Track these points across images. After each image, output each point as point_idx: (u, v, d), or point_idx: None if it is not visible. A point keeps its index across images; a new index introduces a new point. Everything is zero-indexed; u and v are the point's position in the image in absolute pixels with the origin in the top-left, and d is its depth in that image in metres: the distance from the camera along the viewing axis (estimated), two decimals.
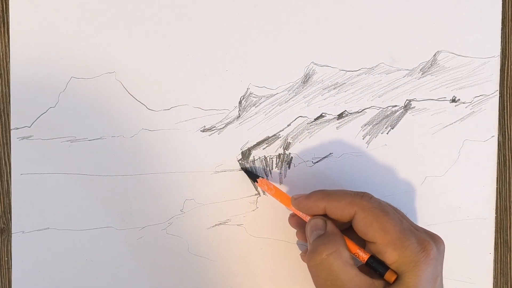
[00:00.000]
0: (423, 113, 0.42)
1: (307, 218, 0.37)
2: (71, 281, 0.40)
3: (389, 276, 0.33)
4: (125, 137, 0.40)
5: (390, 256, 0.33)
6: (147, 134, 0.40)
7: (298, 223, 0.39)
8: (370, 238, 0.34)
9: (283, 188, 0.41)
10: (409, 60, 0.41)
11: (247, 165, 0.41)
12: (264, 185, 0.39)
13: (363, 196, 0.35)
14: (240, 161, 0.40)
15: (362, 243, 0.36)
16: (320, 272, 0.34)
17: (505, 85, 0.42)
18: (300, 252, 0.41)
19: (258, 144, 0.41)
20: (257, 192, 0.41)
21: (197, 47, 0.40)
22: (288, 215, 0.40)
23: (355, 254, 0.35)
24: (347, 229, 0.37)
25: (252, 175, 0.40)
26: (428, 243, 0.33)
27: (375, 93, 0.41)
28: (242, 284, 0.41)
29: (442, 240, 0.35)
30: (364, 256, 0.35)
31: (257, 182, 0.40)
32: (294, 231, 0.41)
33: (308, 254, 0.34)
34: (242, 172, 0.40)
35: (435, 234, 0.35)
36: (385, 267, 0.34)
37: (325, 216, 0.36)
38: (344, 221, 0.35)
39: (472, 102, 0.42)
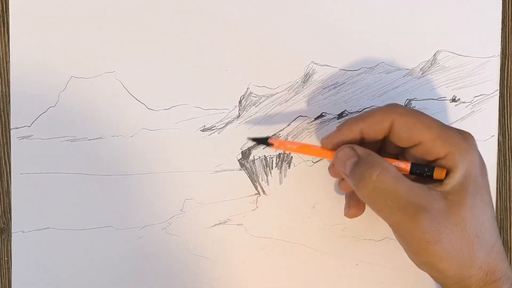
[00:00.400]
0: None
1: (332, 155, 0.35)
2: (71, 281, 0.40)
3: (439, 173, 0.32)
4: (125, 137, 0.40)
5: (440, 150, 0.33)
6: (147, 134, 0.40)
7: (337, 172, 0.37)
8: (416, 139, 0.33)
9: (283, 188, 0.41)
10: (409, 59, 0.41)
11: (247, 165, 0.41)
12: (282, 145, 0.37)
13: (396, 105, 0.35)
14: (240, 161, 0.40)
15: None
16: (377, 196, 0.33)
17: (505, 85, 0.42)
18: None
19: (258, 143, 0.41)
20: (257, 192, 0.41)
21: (197, 47, 0.40)
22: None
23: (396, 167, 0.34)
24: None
25: (262, 140, 0.37)
26: (466, 133, 0.34)
27: (375, 93, 0.41)
28: (242, 284, 0.41)
29: (471, 135, 0.35)
30: (405, 166, 0.34)
31: (272, 145, 0.36)
32: (293, 231, 0.41)
33: (357, 185, 0.33)
34: (242, 172, 0.40)
35: (464, 130, 0.35)
36: (431, 167, 0.33)
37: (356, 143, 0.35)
38: (379, 138, 0.35)
39: (472, 102, 0.42)
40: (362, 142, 0.36)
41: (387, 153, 0.37)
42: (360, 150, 0.34)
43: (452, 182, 0.32)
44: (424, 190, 0.32)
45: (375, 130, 0.34)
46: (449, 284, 0.34)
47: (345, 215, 0.39)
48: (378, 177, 0.32)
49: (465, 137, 0.34)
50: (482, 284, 0.33)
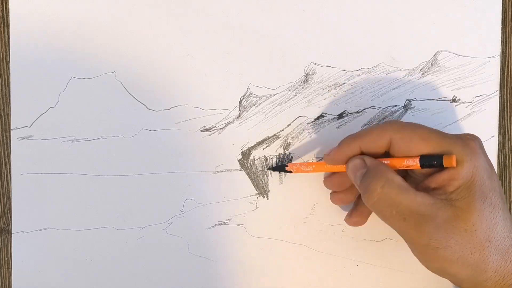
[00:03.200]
0: (423, 113, 0.41)
1: (343, 168, 0.37)
2: (71, 281, 0.40)
3: (448, 161, 0.33)
4: (125, 137, 0.40)
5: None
6: (147, 134, 0.40)
7: (334, 182, 0.39)
8: (415, 152, 0.34)
9: (283, 188, 0.41)
10: (409, 60, 0.41)
11: (247, 165, 0.41)
12: (299, 169, 0.39)
13: (390, 121, 0.36)
14: (240, 161, 0.40)
15: None
16: (382, 207, 0.33)
17: (505, 85, 0.42)
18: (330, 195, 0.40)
19: (258, 144, 0.41)
20: (257, 192, 0.41)
21: (197, 47, 0.40)
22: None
23: (405, 167, 0.34)
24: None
25: (280, 167, 0.40)
26: (468, 138, 0.34)
27: (375, 93, 0.41)
28: (242, 284, 0.41)
29: (475, 135, 0.35)
30: (414, 163, 0.34)
31: (291, 172, 0.39)
32: (293, 231, 0.41)
33: (364, 196, 0.34)
34: (242, 172, 0.40)
35: (469, 134, 0.36)
36: (439, 157, 0.33)
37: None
38: (380, 153, 0.35)
39: (472, 102, 0.42)
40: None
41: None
42: (369, 161, 0.35)
43: (456, 188, 0.33)
44: (428, 199, 0.33)
45: (373, 147, 0.35)
46: None
47: (346, 222, 0.39)
48: (382, 189, 0.33)
49: (466, 143, 0.34)
50: (500, 287, 0.33)
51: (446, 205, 0.33)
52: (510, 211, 0.43)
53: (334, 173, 0.38)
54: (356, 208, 0.39)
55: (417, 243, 0.33)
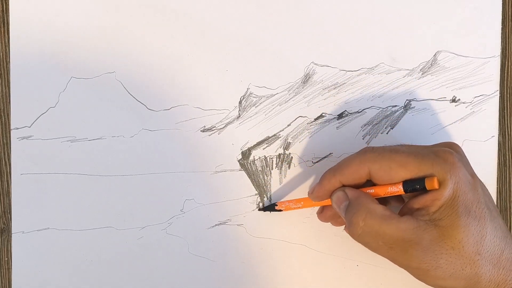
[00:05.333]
0: (423, 113, 0.42)
1: (329, 202, 0.37)
2: (71, 281, 0.40)
3: (430, 183, 0.32)
4: (125, 137, 0.40)
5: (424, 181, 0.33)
6: (147, 134, 0.40)
7: (327, 216, 0.38)
8: (397, 179, 0.34)
9: (283, 187, 0.41)
10: (409, 60, 0.41)
11: (247, 165, 0.40)
12: (287, 207, 0.39)
13: (366, 151, 0.35)
14: (240, 161, 0.40)
15: None
16: (367, 239, 0.34)
17: (505, 85, 0.42)
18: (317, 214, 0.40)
19: (258, 144, 0.41)
20: (257, 192, 0.41)
21: (197, 47, 0.40)
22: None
23: (389, 194, 0.34)
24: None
25: (270, 207, 0.40)
26: (444, 152, 0.33)
27: (375, 93, 0.41)
28: (242, 284, 0.41)
29: (455, 143, 0.35)
30: (398, 189, 0.34)
31: (281, 211, 0.40)
32: (293, 231, 0.41)
33: (349, 230, 0.34)
34: (242, 172, 0.40)
35: (447, 142, 0.36)
36: (421, 181, 0.33)
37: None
38: (362, 183, 0.35)
39: (472, 102, 0.42)
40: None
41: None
42: (350, 192, 0.35)
43: (438, 208, 0.33)
44: (413, 223, 0.33)
45: (353, 179, 0.35)
46: None
47: (317, 215, 0.39)
48: (365, 221, 0.33)
49: (445, 159, 0.33)
50: None
51: (430, 226, 0.33)
52: (510, 211, 0.43)
53: (324, 207, 0.38)
54: (331, 213, 0.39)
55: (408, 267, 0.33)
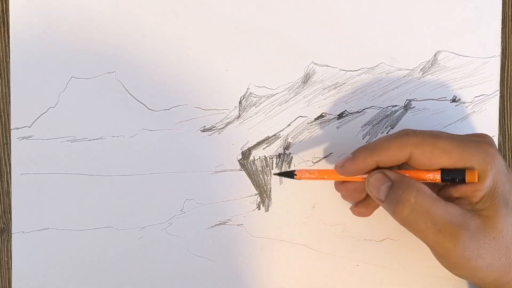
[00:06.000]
0: (423, 113, 0.41)
1: (360, 178, 0.36)
2: (71, 281, 0.40)
3: (471, 176, 0.33)
4: (125, 137, 0.40)
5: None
6: (147, 134, 0.40)
7: (349, 189, 0.37)
8: (437, 166, 0.33)
9: (283, 188, 0.41)
10: (409, 60, 0.41)
11: (247, 165, 0.40)
12: (304, 175, 0.38)
13: (408, 134, 0.34)
14: (240, 161, 0.40)
15: None
16: (416, 218, 0.33)
17: (505, 85, 0.42)
18: (351, 207, 0.40)
19: (258, 144, 0.41)
20: (257, 192, 0.41)
21: (197, 47, 0.40)
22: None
23: (424, 180, 0.34)
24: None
25: (288, 174, 0.39)
26: (484, 142, 0.34)
27: (375, 93, 0.41)
28: (242, 284, 0.41)
29: (488, 135, 0.35)
30: (435, 177, 0.34)
31: (296, 176, 0.38)
32: (293, 231, 0.41)
33: (395, 209, 0.33)
34: (242, 172, 0.40)
35: (480, 134, 0.35)
36: (461, 172, 0.33)
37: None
38: (396, 166, 0.35)
39: (473, 102, 0.42)
40: None
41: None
42: (393, 174, 0.34)
43: (480, 198, 0.33)
44: (459, 210, 0.33)
45: (391, 162, 0.34)
46: None
47: (352, 211, 0.39)
48: (416, 198, 0.32)
49: (485, 150, 0.33)
50: None
51: (474, 215, 0.33)
52: None
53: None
54: (362, 201, 0.38)
55: (450, 254, 0.33)
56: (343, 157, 0.39)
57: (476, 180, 0.33)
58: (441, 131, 0.35)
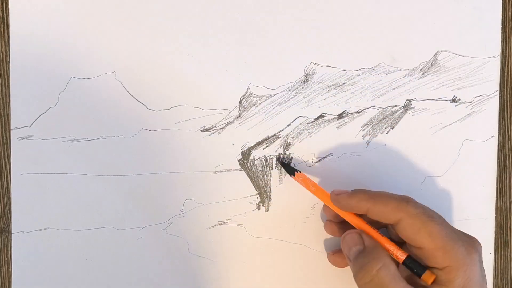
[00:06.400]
0: (423, 113, 0.42)
1: (343, 214, 0.37)
2: (71, 281, 0.40)
3: (427, 278, 0.33)
4: (125, 137, 0.40)
5: (440, 261, 0.33)
6: (147, 134, 0.40)
7: (334, 229, 0.39)
8: (417, 244, 0.34)
9: (283, 188, 0.41)
10: (409, 60, 0.41)
11: (247, 165, 0.41)
12: (302, 181, 0.39)
13: (409, 202, 0.34)
14: (240, 161, 0.40)
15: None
16: None
17: (505, 85, 0.42)
18: (328, 252, 0.41)
19: (258, 144, 0.41)
20: (257, 192, 0.41)
21: (197, 47, 0.40)
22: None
23: (391, 253, 0.35)
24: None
25: (289, 168, 0.40)
26: (472, 246, 0.34)
27: (375, 93, 0.41)
28: (242, 284, 0.41)
29: (479, 241, 0.35)
30: (400, 256, 0.34)
31: (293, 176, 0.39)
32: (293, 231, 0.41)
33: (357, 274, 0.34)
34: (242, 172, 0.40)
35: (472, 236, 0.35)
36: (422, 268, 0.34)
37: (363, 216, 0.36)
38: (384, 224, 0.35)
39: (472, 102, 0.42)
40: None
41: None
42: (367, 240, 0.35)
43: None
44: None
45: (380, 218, 0.35)
46: None
47: (328, 257, 0.40)
48: (378, 272, 0.33)
49: (469, 251, 0.33)
50: None
51: None
52: (510, 211, 0.43)
53: (334, 222, 0.39)
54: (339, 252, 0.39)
55: None
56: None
57: (429, 283, 0.33)
58: (440, 216, 0.35)
